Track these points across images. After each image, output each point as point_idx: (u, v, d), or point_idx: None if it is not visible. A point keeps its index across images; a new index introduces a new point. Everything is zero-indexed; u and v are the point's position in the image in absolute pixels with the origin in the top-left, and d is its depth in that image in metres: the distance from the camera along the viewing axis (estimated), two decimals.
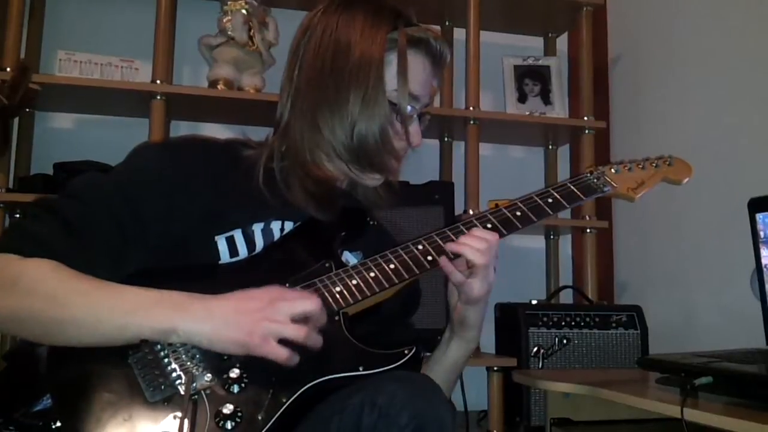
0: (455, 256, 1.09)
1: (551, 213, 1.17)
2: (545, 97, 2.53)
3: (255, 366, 0.95)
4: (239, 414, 0.92)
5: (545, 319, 2.05)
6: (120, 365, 0.93)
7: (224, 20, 2.22)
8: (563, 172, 2.70)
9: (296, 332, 0.95)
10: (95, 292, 0.95)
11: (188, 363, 0.94)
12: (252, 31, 2.24)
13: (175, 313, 0.95)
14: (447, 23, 2.62)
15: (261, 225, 1.11)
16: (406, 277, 1.07)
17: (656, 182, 1.26)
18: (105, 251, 1.01)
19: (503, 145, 2.73)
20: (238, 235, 1.09)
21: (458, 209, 2.23)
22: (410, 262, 1.07)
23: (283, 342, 0.94)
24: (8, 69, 2.00)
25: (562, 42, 2.79)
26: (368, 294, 1.04)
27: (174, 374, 0.93)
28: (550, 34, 2.76)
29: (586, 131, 2.44)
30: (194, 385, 0.93)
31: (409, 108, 1.16)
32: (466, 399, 2.01)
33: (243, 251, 1.09)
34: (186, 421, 0.89)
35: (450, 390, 1.24)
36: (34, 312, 0.93)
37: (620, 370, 1.98)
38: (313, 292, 1.02)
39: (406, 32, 1.16)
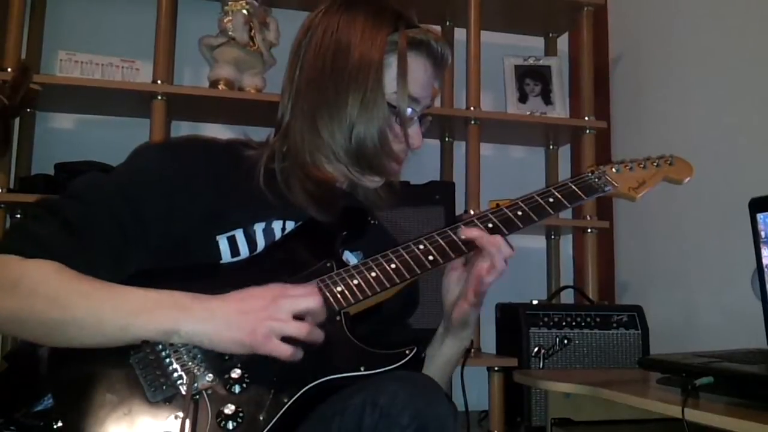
0: (466, 251, 1.09)
1: (552, 213, 1.16)
2: (546, 97, 2.53)
3: (256, 366, 0.95)
4: (240, 414, 0.92)
5: (546, 319, 2.05)
6: (121, 365, 0.93)
7: (225, 20, 2.22)
8: (564, 172, 2.70)
9: (298, 329, 0.95)
10: (97, 293, 0.95)
11: (189, 363, 0.94)
12: (253, 31, 2.24)
13: (176, 313, 0.94)
14: (448, 23, 2.62)
15: (262, 225, 1.11)
16: (408, 276, 1.07)
17: (657, 182, 1.26)
18: (106, 252, 1.01)
19: (504, 145, 2.73)
20: (239, 234, 1.09)
21: (459, 209, 2.23)
22: (411, 262, 1.07)
23: (286, 339, 0.94)
24: (9, 69, 2.00)
25: (562, 42, 2.79)
26: (369, 294, 1.04)
27: (175, 374, 0.93)
28: (550, 34, 2.76)
29: (587, 131, 2.44)
30: (196, 385, 0.93)
31: (409, 110, 1.16)
32: (467, 399, 2.00)
33: (244, 251, 1.09)
34: (187, 421, 0.89)
35: (444, 388, 1.23)
36: (35, 313, 0.93)
37: (621, 371, 1.98)
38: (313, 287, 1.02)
39: (407, 34, 1.16)
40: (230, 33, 2.21)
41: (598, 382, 1.44)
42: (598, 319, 2.07)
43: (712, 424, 1.10)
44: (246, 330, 0.94)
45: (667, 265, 2.28)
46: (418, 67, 1.17)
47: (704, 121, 2.14)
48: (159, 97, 2.11)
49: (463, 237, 1.09)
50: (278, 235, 1.12)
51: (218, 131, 2.40)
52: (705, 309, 2.08)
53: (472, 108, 2.32)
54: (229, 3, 2.23)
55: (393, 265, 1.06)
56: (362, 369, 0.98)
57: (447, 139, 2.59)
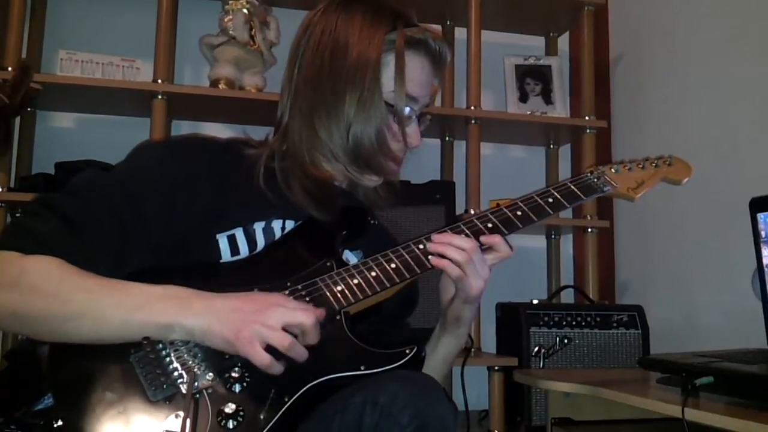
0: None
1: (552, 213, 1.16)
2: (546, 97, 2.53)
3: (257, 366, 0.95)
4: (241, 413, 0.92)
5: (546, 318, 2.05)
6: (121, 364, 0.93)
7: (225, 20, 2.22)
8: (564, 172, 2.70)
9: (281, 340, 0.93)
10: (98, 288, 0.95)
11: (190, 362, 0.94)
12: (253, 30, 2.24)
13: (177, 308, 0.95)
14: (448, 23, 2.62)
15: (262, 224, 1.11)
16: (408, 276, 1.07)
17: (656, 182, 1.26)
18: (105, 249, 1.01)
19: (504, 144, 2.73)
20: (239, 233, 1.09)
21: (459, 209, 2.23)
22: (411, 262, 1.07)
23: (271, 349, 0.93)
24: (9, 68, 2.00)
25: (563, 41, 2.79)
26: (369, 293, 1.04)
27: (176, 373, 0.93)
28: (551, 34, 2.76)
29: (588, 131, 2.44)
30: (196, 384, 0.93)
31: (407, 109, 1.16)
32: (467, 398, 2.01)
33: (244, 250, 1.09)
34: (188, 420, 0.89)
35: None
36: (35, 309, 0.93)
37: (621, 370, 1.98)
38: (315, 298, 1.02)
39: (405, 33, 1.15)
40: (231, 32, 2.21)
41: (598, 382, 1.44)
42: (598, 319, 2.08)
43: (712, 424, 1.10)
44: (233, 328, 0.93)
45: (667, 265, 2.28)
46: (416, 65, 1.16)
47: (705, 120, 2.14)
48: (159, 97, 2.11)
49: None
50: (278, 234, 1.12)
51: (219, 130, 2.40)
52: (705, 309, 2.08)
53: (472, 107, 2.32)
54: (230, 2, 2.22)
55: (393, 265, 1.07)
56: (362, 368, 0.98)
57: (447, 138, 2.59)
